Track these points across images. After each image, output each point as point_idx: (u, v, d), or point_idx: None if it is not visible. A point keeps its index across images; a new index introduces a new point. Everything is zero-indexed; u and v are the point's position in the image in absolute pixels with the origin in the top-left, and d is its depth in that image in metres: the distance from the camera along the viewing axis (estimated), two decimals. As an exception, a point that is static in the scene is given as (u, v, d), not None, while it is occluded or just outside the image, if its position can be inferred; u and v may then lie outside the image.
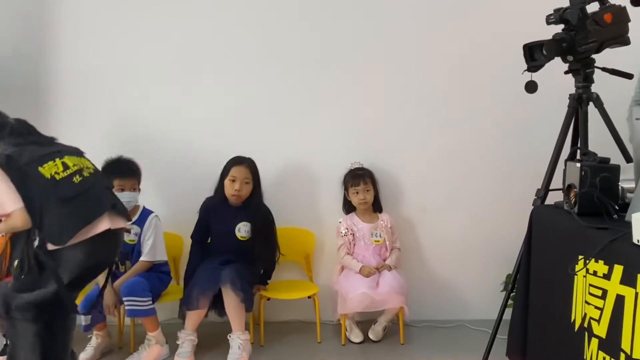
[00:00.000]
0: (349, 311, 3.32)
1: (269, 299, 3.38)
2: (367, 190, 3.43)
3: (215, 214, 3.35)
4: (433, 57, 3.56)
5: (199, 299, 3.09)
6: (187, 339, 3.13)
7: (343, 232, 3.45)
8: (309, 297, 3.41)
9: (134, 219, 3.29)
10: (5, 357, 3.12)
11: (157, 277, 3.26)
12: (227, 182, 3.29)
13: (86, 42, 3.56)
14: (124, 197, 3.23)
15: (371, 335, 3.38)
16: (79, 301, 3.12)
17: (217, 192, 3.36)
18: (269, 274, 3.46)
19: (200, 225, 3.39)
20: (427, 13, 3.55)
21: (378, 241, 3.44)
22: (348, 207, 3.53)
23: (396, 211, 3.59)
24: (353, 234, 3.45)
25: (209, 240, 3.41)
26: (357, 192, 3.43)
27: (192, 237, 3.40)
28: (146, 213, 3.33)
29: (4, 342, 3.19)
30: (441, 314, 3.66)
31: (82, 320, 3.10)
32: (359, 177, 3.44)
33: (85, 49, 3.56)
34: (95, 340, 3.22)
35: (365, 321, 3.49)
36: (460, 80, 3.56)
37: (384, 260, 3.42)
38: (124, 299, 3.04)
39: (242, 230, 3.32)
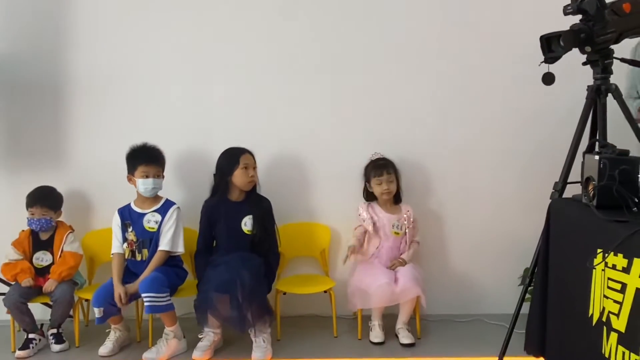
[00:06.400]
0: (373, 306, 3.29)
1: (284, 293, 3.39)
2: (391, 181, 3.39)
3: (219, 212, 3.31)
4: (449, 51, 3.53)
5: (216, 299, 3.06)
6: (209, 333, 3.16)
7: (363, 216, 3.40)
8: (325, 291, 3.41)
9: (155, 207, 3.32)
10: (27, 351, 3.19)
11: (174, 272, 3.28)
12: (239, 171, 3.26)
13: (104, 39, 3.57)
14: (149, 183, 3.25)
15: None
16: (92, 295, 3.16)
17: (217, 190, 3.33)
18: (274, 271, 3.41)
19: (205, 230, 3.34)
20: (442, 8, 3.52)
21: (397, 233, 3.42)
22: (368, 197, 3.48)
23: (413, 205, 3.56)
24: (374, 223, 3.41)
25: (214, 244, 3.38)
26: (381, 183, 3.39)
27: (196, 249, 3.36)
28: (168, 203, 3.35)
29: (25, 337, 3.25)
30: (458, 308, 3.65)
31: (95, 312, 3.13)
32: (382, 167, 3.40)
33: (103, 46, 3.58)
34: (114, 334, 3.25)
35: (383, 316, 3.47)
36: (477, 72, 3.53)
37: (402, 254, 3.41)
38: (143, 295, 3.06)
39: (248, 223, 3.31)
